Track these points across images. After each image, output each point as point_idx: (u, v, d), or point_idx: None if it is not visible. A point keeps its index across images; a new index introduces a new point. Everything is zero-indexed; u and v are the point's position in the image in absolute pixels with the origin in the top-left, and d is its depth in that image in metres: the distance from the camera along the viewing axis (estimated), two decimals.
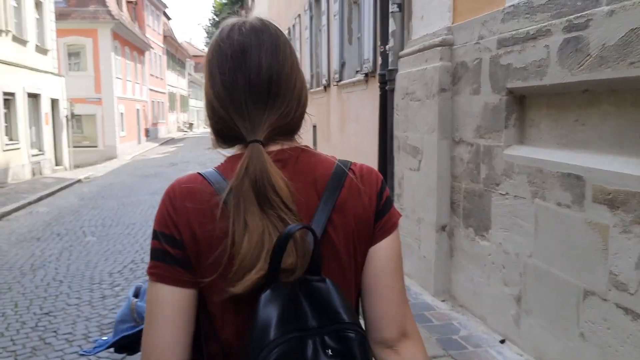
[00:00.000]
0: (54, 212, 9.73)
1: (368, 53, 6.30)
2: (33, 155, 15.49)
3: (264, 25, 0.95)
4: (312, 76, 9.95)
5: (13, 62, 14.20)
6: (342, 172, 0.94)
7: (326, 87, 8.67)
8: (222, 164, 0.95)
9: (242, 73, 0.90)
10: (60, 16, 20.40)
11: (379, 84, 5.52)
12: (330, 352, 0.79)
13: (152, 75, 34.34)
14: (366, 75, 6.40)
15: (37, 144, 16.12)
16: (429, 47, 4.37)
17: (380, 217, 0.96)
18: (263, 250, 0.83)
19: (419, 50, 4.55)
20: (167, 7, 40.50)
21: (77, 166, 19.03)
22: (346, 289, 0.91)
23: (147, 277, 0.91)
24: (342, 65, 7.68)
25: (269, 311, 0.79)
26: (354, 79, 7.07)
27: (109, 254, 6.56)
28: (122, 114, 25.32)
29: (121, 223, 8.46)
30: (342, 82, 7.56)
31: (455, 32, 4.14)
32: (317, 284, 0.84)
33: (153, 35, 35.24)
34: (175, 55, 45.45)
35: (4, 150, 13.60)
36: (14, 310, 4.64)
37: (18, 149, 14.46)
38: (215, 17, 41.79)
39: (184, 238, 0.87)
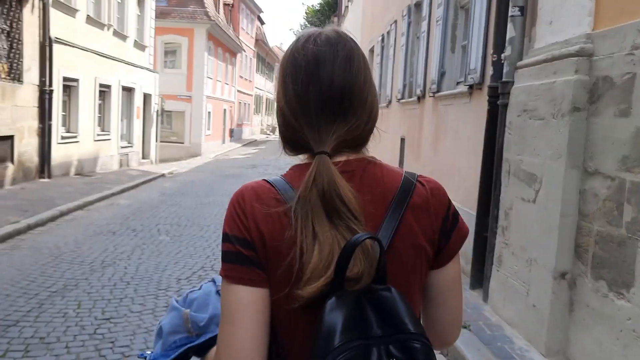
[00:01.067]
0: (134, 206, 9.75)
1: (475, 62, 5.62)
2: (122, 147, 15.95)
3: (339, 37, 0.95)
4: (404, 86, 9.34)
5: (112, 56, 14.67)
6: (409, 184, 0.94)
7: (420, 98, 8.04)
8: (288, 172, 0.96)
9: (314, 85, 0.91)
10: (160, 15, 21.12)
11: (487, 98, 4.83)
12: None
13: (241, 77, 35.02)
14: (471, 87, 5.71)
15: (127, 136, 16.60)
16: (559, 57, 3.66)
17: (447, 238, 0.96)
18: (333, 260, 0.83)
19: (546, 61, 3.85)
20: (262, 12, 41.29)
21: (162, 160, 19.51)
22: (410, 299, 0.89)
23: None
24: (442, 75, 7.02)
25: (333, 318, 0.79)
26: (454, 91, 6.40)
27: (179, 256, 6.29)
28: (209, 112, 25.86)
29: (196, 224, 8.25)
30: (440, 94, 6.90)
31: (597, 41, 3.41)
32: (383, 293, 0.84)
33: (246, 38, 35.96)
34: (265, 59, 46.25)
35: (95, 140, 14.03)
36: (75, 311, 4.39)
37: (109, 139, 14.90)
38: (307, 23, 42.15)
39: (255, 241, 0.88)
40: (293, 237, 0.86)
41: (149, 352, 1.28)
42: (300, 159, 0.97)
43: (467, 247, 5.35)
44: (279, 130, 0.98)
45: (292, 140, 0.96)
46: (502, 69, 4.56)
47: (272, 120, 52.72)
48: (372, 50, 14.05)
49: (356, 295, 0.82)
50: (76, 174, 12.91)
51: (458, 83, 6.64)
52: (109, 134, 14.89)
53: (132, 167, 16.25)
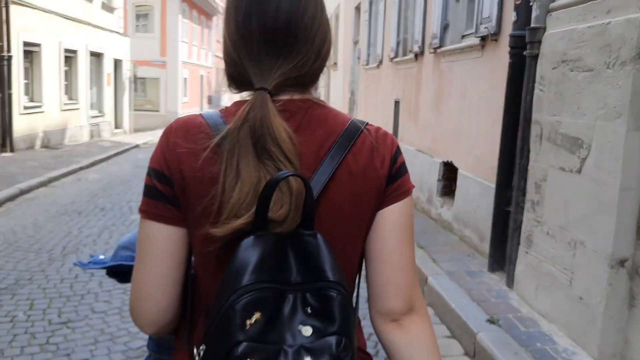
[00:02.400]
0: (103, 181, 8.93)
1: (490, 9, 4.85)
2: (92, 117, 14.95)
3: None
4: (398, 43, 8.51)
5: (77, 19, 13.54)
6: (355, 129, 0.87)
7: (418, 56, 7.25)
8: (227, 107, 0.89)
9: (257, 15, 0.84)
10: None
11: (509, 49, 4.09)
12: (309, 309, 0.73)
13: (218, 41, 33.59)
14: (483, 38, 4.97)
15: (98, 105, 15.57)
16: None
17: (392, 182, 0.89)
18: (254, 201, 0.76)
19: None
20: None
21: (137, 130, 18.53)
22: (349, 251, 0.87)
23: None
24: (444, 28, 6.24)
25: (247, 256, 0.73)
26: (462, 44, 5.64)
27: None
28: (185, 79, 24.73)
29: None
30: (443, 49, 6.13)
31: None
32: (308, 238, 0.78)
33: None
34: None
35: (63, 110, 13.02)
36: (26, 314, 3.66)
37: (77, 109, 13.90)
38: None
39: (173, 176, 0.83)
40: (216, 173, 0.79)
41: (102, 257, 1.35)
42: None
43: (484, 224, 4.69)
44: (224, 67, 0.91)
45: (235, 76, 0.89)
46: (531, 14, 3.82)
47: None
48: (358, 8, 13.12)
49: (278, 237, 0.76)
50: (42, 147, 11.97)
51: (464, 36, 5.89)
52: (77, 103, 13.86)
53: (104, 138, 15.28)
